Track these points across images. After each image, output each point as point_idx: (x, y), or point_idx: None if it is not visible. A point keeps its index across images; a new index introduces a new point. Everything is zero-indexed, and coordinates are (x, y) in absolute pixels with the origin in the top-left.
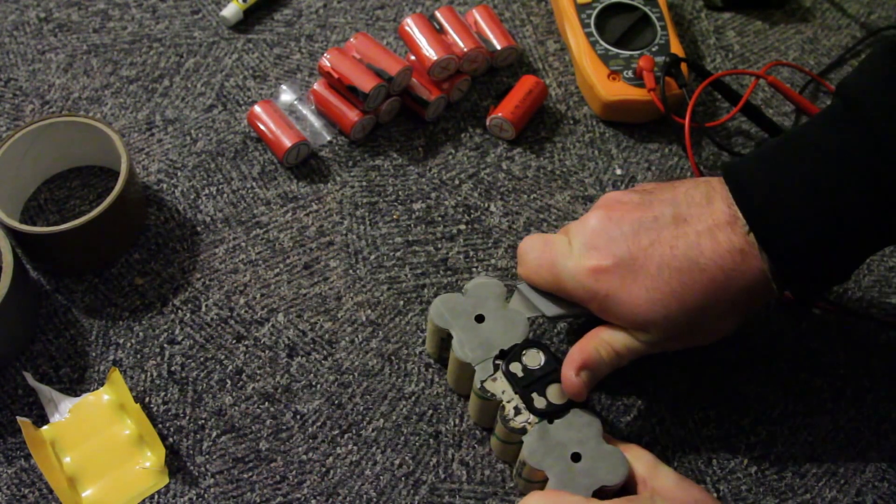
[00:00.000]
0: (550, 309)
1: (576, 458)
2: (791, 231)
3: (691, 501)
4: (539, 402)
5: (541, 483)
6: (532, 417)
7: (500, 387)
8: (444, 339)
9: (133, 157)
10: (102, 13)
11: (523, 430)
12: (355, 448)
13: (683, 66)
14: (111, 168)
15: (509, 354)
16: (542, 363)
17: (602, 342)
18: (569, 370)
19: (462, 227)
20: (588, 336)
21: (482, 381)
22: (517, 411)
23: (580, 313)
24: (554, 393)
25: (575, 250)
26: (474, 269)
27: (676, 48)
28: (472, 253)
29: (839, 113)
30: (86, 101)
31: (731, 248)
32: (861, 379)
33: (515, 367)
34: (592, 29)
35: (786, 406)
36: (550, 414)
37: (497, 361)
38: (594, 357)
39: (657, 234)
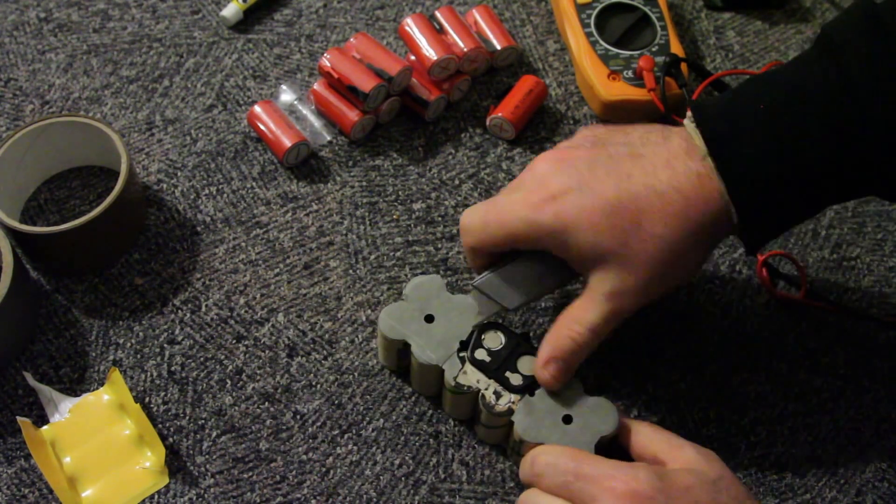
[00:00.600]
0: (513, 300)
1: (567, 420)
2: (748, 158)
3: (713, 476)
4: (515, 380)
5: None
6: (513, 396)
7: (472, 377)
8: (401, 350)
9: (133, 157)
10: (102, 13)
11: (510, 412)
12: (355, 448)
13: (683, 66)
14: (111, 168)
15: (470, 344)
16: (503, 342)
17: (571, 323)
18: (538, 365)
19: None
20: (556, 324)
21: (454, 378)
22: (498, 395)
23: (543, 292)
24: (526, 366)
25: (523, 193)
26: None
27: (676, 48)
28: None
29: (814, 54)
30: (86, 101)
31: (687, 173)
32: (861, 379)
33: (481, 354)
34: (592, 29)
35: (786, 406)
36: (529, 387)
37: (461, 354)
38: (564, 345)
39: (613, 166)
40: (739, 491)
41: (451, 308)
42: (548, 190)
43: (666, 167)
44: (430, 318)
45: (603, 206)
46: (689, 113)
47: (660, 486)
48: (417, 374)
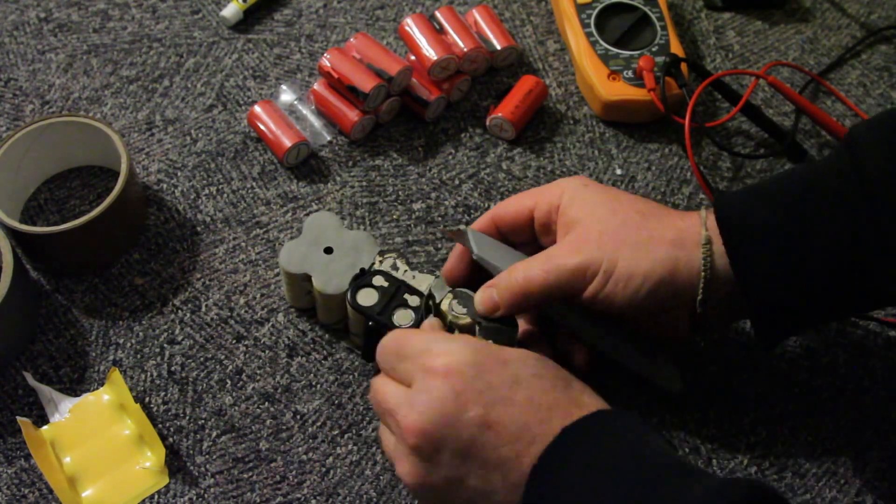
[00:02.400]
0: (481, 251)
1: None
2: (763, 249)
3: (538, 356)
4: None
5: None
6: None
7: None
8: (309, 281)
9: (133, 157)
10: (102, 13)
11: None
12: (355, 448)
13: (683, 66)
14: (111, 168)
15: (428, 297)
16: (406, 269)
17: (517, 268)
18: (482, 287)
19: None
20: (509, 269)
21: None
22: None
23: (503, 268)
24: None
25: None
26: None
27: (676, 48)
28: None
29: (836, 152)
30: (86, 101)
31: (683, 223)
32: (861, 379)
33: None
34: (592, 29)
35: (786, 406)
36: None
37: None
38: (502, 279)
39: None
40: (564, 372)
41: (347, 241)
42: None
43: (676, 214)
44: (329, 251)
45: (621, 194)
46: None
47: (471, 361)
48: (321, 305)
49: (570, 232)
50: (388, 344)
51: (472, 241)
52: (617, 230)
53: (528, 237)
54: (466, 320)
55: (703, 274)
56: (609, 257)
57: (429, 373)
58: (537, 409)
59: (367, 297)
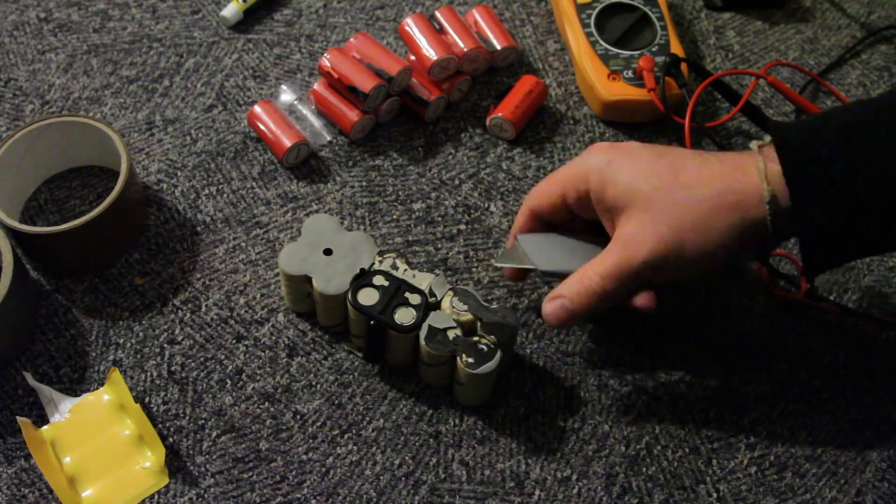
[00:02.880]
0: (545, 263)
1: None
2: (822, 174)
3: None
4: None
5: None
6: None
7: (451, 306)
8: (309, 283)
9: (133, 157)
10: (102, 13)
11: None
12: (355, 448)
13: (683, 66)
14: (111, 168)
15: (426, 297)
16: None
17: (585, 269)
18: (546, 300)
19: (462, 227)
20: (577, 273)
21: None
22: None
23: (571, 268)
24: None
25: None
26: (474, 269)
27: (676, 48)
28: (471, 253)
29: None
30: (86, 101)
31: (734, 173)
32: (861, 379)
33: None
34: (592, 29)
35: (786, 406)
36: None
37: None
38: (573, 286)
39: (671, 166)
40: None
41: (345, 243)
42: (606, 154)
43: (727, 171)
44: (328, 252)
45: (648, 155)
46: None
47: None
48: (322, 307)
49: (619, 220)
50: None
51: (529, 255)
52: (671, 210)
53: (573, 215)
54: (468, 317)
55: (770, 228)
56: (675, 245)
57: None
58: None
59: (368, 297)
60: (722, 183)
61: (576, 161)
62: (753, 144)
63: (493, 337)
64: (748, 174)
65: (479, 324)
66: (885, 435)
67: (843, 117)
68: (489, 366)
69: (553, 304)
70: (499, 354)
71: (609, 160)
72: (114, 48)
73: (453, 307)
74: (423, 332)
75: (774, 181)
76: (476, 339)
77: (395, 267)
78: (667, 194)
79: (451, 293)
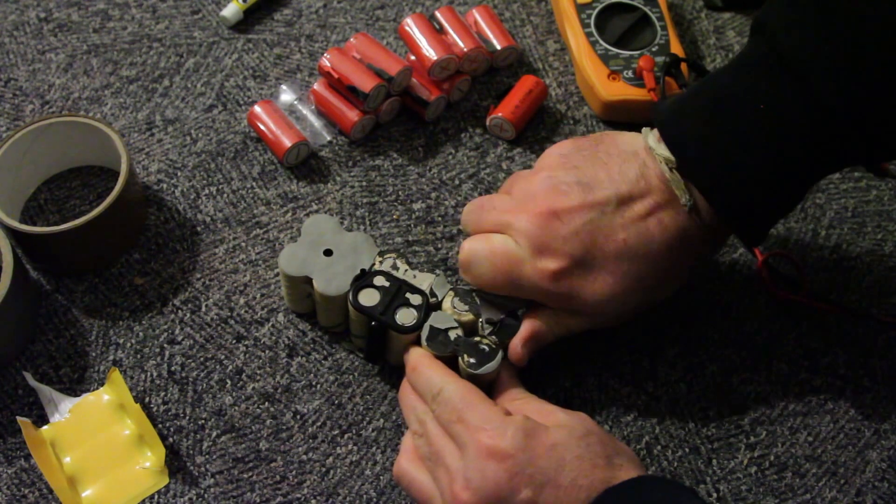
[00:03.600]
0: (490, 313)
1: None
2: (734, 188)
3: (582, 433)
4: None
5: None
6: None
7: (456, 306)
8: (310, 284)
9: (133, 157)
10: (102, 13)
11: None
12: (355, 448)
13: (683, 66)
14: (111, 168)
15: (426, 298)
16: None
17: (557, 322)
18: (517, 342)
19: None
20: (543, 313)
21: (458, 307)
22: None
23: (520, 307)
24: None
25: (527, 254)
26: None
27: (676, 48)
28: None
29: (766, 61)
30: (86, 101)
31: (677, 229)
32: (861, 379)
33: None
34: (592, 29)
35: (786, 406)
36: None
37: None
38: (544, 333)
39: (608, 227)
40: (608, 445)
41: (346, 243)
42: (552, 261)
43: (656, 221)
44: (328, 253)
45: (607, 278)
46: (648, 134)
47: (523, 445)
48: (322, 308)
49: None
50: (455, 402)
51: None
52: (633, 293)
53: None
54: (469, 317)
55: (703, 236)
56: (636, 310)
57: (484, 453)
58: (579, 490)
59: (368, 298)
60: (680, 262)
61: (531, 276)
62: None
63: (494, 337)
64: (690, 235)
65: (480, 324)
66: (885, 435)
67: (735, 126)
68: (491, 366)
69: (527, 348)
70: (500, 354)
71: (569, 293)
72: (114, 48)
73: (454, 307)
74: (425, 333)
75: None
76: (477, 339)
77: (395, 267)
78: (639, 298)
79: (451, 293)
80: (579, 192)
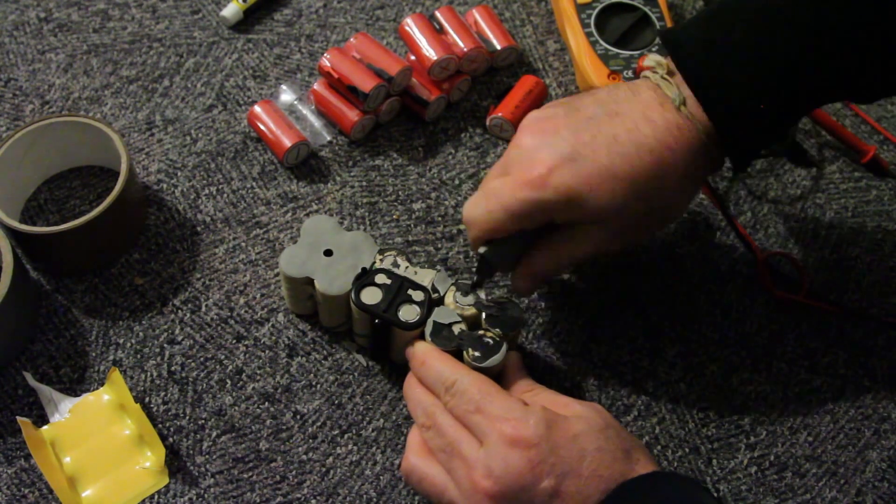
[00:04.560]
0: (510, 266)
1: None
2: (729, 88)
3: (602, 425)
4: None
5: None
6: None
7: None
8: (311, 284)
9: (133, 157)
10: (102, 13)
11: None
12: (355, 448)
13: None
14: (111, 168)
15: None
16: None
17: (557, 254)
18: (521, 279)
19: (462, 227)
20: (544, 249)
21: (462, 305)
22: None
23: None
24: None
25: (517, 173)
26: (474, 269)
27: None
28: (471, 253)
29: None
30: (86, 101)
31: (668, 126)
32: (861, 379)
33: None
34: (592, 29)
35: (786, 406)
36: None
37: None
38: (548, 267)
39: (597, 129)
40: (625, 439)
41: (345, 243)
42: (543, 165)
43: (646, 122)
44: (328, 253)
45: (600, 172)
46: (648, 63)
47: (546, 435)
48: (324, 308)
49: (589, 226)
50: (472, 393)
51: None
52: (636, 211)
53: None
54: (472, 311)
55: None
56: (637, 234)
57: (507, 442)
58: (599, 481)
59: (371, 296)
60: (679, 169)
61: (516, 191)
62: (652, 75)
63: (497, 330)
64: (686, 135)
65: (483, 316)
66: (885, 435)
67: (732, 27)
68: (496, 359)
69: (528, 280)
70: (504, 347)
71: (566, 197)
72: (114, 48)
73: (457, 302)
74: (429, 328)
75: (692, 106)
76: (481, 332)
77: (396, 265)
78: (634, 207)
79: (453, 288)
80: (563, 112)
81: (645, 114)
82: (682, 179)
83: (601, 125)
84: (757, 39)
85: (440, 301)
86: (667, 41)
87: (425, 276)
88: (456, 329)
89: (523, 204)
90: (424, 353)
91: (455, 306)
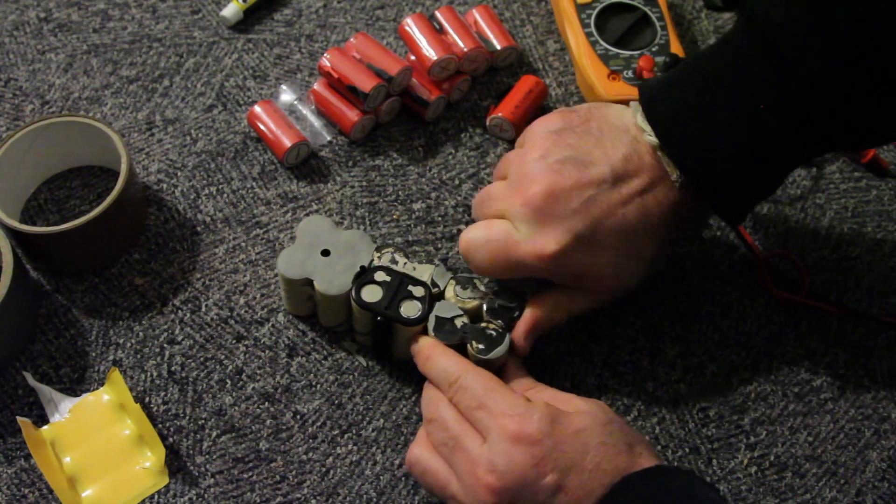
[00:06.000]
0: (502, 298)
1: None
2: (718, 168)
3: (605, 420)
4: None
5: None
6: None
7: (463, 294)
8: (310, 285)
9: (133, 157)
10: (102, 13)
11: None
12: (355, 448)
13: None
14: (111, 168)
15: (429, 288)
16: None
17: (557, 307)
18: (519, 335)
19: (462, 226)
20: (544, 300)
21: (462, 299)
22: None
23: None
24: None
25: (525, 237)
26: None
27: (676, 48)
28: None
29: (748, 38)
30: (86, 101)
31: (671, 203)
32: (861, 379)
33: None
34: (592, 29)
35: (786, 406)
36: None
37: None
38: (545, 322)
39: (606, 203)
40: (628, 434)
41: (342, 242)
42: (553, 241)
43: (651, 197)
44: (325, 253)
45: (610, 255)
46: (637, 111)
47: (549, 431)
48: (324, 308)
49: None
50: (476, 389)
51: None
52: (631, 273)
53: None
54: (473, 303)
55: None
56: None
57: (511, 438)
58: (603, 475)
59: (371, 294)
60: (674, 235)
61: (526, 255)
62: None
63: (499, 321)
64: (682, 209)
65: (484, 308)
66: (885, 435)
67: (721, 112)
68: (500, 350)
69: (529, 340)
70: (508, 337)
71: (575, 272)
72: (114, 48)
73: (457, 295)
74: (431, 323)
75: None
76: (483, 325)
77: (394, 261)
78: (642, 273)
79: (453, 282)
80: (575, 171)
81: (649, 187)
82: (676, 241)
83: (610, 196)
84: (743, 124)
85: (440, 296)
86: (653, 120)
87: (424, 272)
88: (458, 322)
89: (530, 271)
90: (429, 349)
91: (456, 299)
